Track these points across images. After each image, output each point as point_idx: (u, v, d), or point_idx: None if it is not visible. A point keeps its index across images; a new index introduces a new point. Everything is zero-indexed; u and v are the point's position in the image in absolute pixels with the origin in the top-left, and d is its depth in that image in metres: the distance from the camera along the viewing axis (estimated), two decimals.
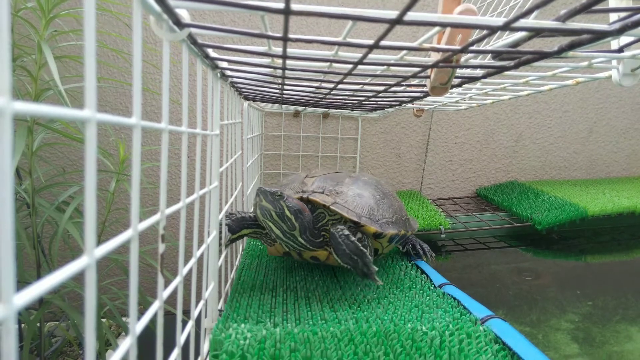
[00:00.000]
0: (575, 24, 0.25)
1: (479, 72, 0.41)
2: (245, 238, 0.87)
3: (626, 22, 0.24)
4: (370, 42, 0.28)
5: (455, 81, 0.42)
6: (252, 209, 0.87)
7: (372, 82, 0.47)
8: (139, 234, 0.22)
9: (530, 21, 0.25)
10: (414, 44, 0.30)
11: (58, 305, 0.60)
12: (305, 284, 0.65)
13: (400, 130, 1.28)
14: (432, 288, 0.63)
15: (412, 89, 0.51)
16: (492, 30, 0.25)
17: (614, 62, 0.41)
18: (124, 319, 0.71)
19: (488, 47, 0.33)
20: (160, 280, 0.26)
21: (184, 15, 0.26)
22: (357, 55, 0.34)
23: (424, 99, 0.65)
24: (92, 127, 0.17)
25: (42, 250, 0.66)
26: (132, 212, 0.21)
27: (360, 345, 0.44)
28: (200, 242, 0.39)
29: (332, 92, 0.54)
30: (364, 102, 0.66)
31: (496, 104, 1.30)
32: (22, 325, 0.66)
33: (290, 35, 0.27)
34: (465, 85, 0.53)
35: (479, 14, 0.27)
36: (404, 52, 0.34)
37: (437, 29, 0.30)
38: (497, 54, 0.34)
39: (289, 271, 0.70)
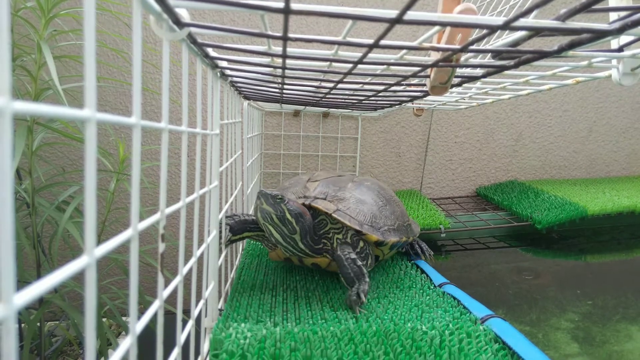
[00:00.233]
0: (575, 23, 0.25)
1: (478, 71, 0.41)
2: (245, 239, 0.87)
3: (626, 21, 0.24)
4: (370, 41, 0.28)
5: (455, 80, 0.42)
6: (251, 209, 0.87)
7: (372, 81, 0.47)
8: (139, 233, 0.22)
9: (530, 20, 0.25)
10: (414, 44, 0.30)
11: (58, 304, 0.60)
12: (305, 283, 0.65)
13: (400, 129, 1.28)
14: (432, 287, 0.63)
15: (412, 88, 0.51)
16: (492, 29, 0.25)
17: (614, 62, 0.41)
18: (124, 318, 0.71)
19: (488, 47, 0.33)
20: (161, 279, 0.26)
21: (184, 14, 0.26)
22: (357, 54, 0.34)
23: (424, 98, 0.65)
24: (92, 126, 0.17)
25: (42, 250, 0.66)
26: (132, 211, 0.21)
27: (360, 344, 0.44)
28: (200, 241, 0.39)
29: (332, 92, 0.54)
30: (363, 102, 0.66)
31: (496, 103, 1.30)
32: (22, 324, 0.66)
33: (290, 35, 0.27)
34: (465, 85, 0.53)
35: (478, 13, 0.27)
36: (404, 51, 0.34)
37: (437, 28, 0.30)
38: (497, 53, 0.34)
39: (289, 271, 0.70)
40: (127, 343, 0.22)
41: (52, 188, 0.67)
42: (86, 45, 0.16)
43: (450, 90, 0.45)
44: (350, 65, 0.36)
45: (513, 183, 1.32)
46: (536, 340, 0.64)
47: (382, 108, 0.88)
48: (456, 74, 0.39)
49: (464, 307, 0.55)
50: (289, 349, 0.42)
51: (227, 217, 0.61)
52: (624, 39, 0.34)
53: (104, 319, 0.78)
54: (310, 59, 0.35)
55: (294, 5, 0.22)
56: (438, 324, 0.48)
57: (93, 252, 0.17)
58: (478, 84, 0.58)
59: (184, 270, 0.32)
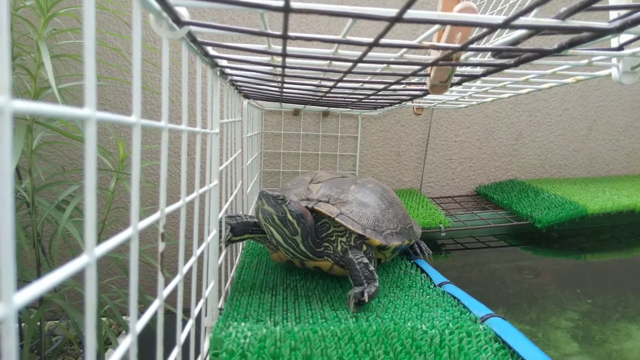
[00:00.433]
0: (575, 21, 0.25)
1: (478, 70, 0.41)
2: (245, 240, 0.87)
3: (626, 19, 0.24)
4: (370, 40, 0.28)
5: (455, 79, 0.42)
6: (251, 208, 0.87)
7: (371, 80, 0.47)
8: (139, 232, 0.22)
9: (530, 19, 0.25)
10: (414, 42, 0.30)
11: (58, 304, 0.60)
12: (305, 282, 0.65)
13: (400, 128, 1.28)
14: (432, 287, 0.63)
15: (412, 87, 0.51)
16: (492, 28, 0.25)
17: (614, 60, 0.41)
18: (124, 317, 0.71)
19: (488, 45, 0.33)
20: (161, 279, 0.26)
21: (184, 13, 0.26)
22: (356, 53, 0.34)
23: (424, 97, 0.65)
24: (92, 125, 0.17)
25: (42, 249, 0.66)
26: (132, 210, 0.21)
27: (360, 343, 0.44)
28: (200, 240, 0.39)
29: (332, 90, 0.53)
30: (363, 100, 0.66)
31: (496, 102, 1.30)
32: (23, 324, 0.66)
33: (290, 33, 0.27)
34: (465, 83, 0.53)
35: (478, 12, 0.27)
36: (404, 50, 0.34)
37: (436, 26, 0.30)
38: (497, 52, 0.34)
39: (289, 270, 0.70)
40: (127, 342, 0.22)
41: (52, 187, 0.67)
42: (86, 44, 0.16)
43: (450, 89, 0.45)
44: (350, 64, 0.36)
45: (513, 182, 1.32)
46: (536, 340, 0.64)
47: (382, 107, 0.88)
48: (456, 73, 0.39)
49: (464, 307, 0.55)
50: (289, 348, 0.42)
51: (229, 217, 0.61)
52: (624, 37, 0.34)
53: (104, 318, 0.78)
54: (310, 58, 0.35)
55: (294, 4, 0.22)
56: (438, 323, 0.48)
57: (93, 252, 0.17)
58: (478, 82, 0.58)
59: (184, 269, 0.32)
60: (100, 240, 0.69)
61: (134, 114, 0.21)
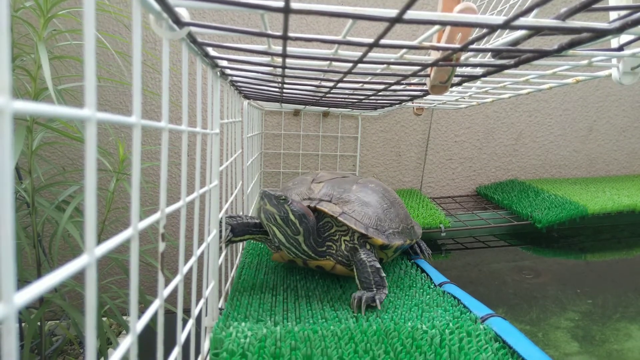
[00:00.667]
0: (575, 22, 0.25)
1: (478, 70, 0.41)
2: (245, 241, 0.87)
3: (626, 20, 0.24)
4: (370, 40, 0.28)
5: (455, 80, 0.42)
6: (252, 209, 0.87)
7: (372, 80, 0.47)
8: (139, 233, 0.22)
9: (530, 19, 0.25)
10: (414, 43, 0.30)
11: (58, 304, 0.60)
12: (306, 283, 0.65)
13: (400, 128, 1.28)
14: (432, 287, 0.63)
15: (412, 87, 0.51)
16: (492, 28, 0.25)
17: (614, 61, 0.41)
18: (124, 317, 0.71)
19: (488, 46, 0.33)
20: (161, 279, 0.26)
21: (184, 14, 0.26)
22: (357, 53, 0.34)
23: (424, 97, 0.65)
24: (92, 126, 0.17)
25: (42, 249, 0.66)
26: (132, 211, 0.21)
27: (360, 343, 0.44)
28: (201, 240, 0.39)
29: (332, 91, 0.53)
30: (363, 101, 0.66)
31: (496, 102, 1.29)
32: (23, 324, 0.66)
33: (290, 34, 0.27)
34: (465, 84, 0.53)
35: (478, 13, 0.27)
36: (404, 50, 0.34)
37: (436, 27, 0.30)
38: (497, 53, 0.34)
39: (289, 270, 0.70)
40: (127, 342, 0.22)
41: (52, 188, 0.67)
42: (86, 45, 0.16)
43: (450, 89, 0.45)
44: (350, 65, 0.36)
45: (513, 182, 1.32)
46: (536, 339, 0.64)
47: (382, 107, 0.88)
48: (456, 73, 0.39)
49: (464, 306, 0.55)
50: (289, 347, 0.42)
51: (229, 217, 0.61)
52: (624, 38, 0.34)
53: (105, 318, 0.78)
54: (310, 58, 0.35)
55: (294, 5, 0.22)
56: (438, 323, 0.48)
57: (93, 252, 0.17)
58: (478, 83, 0.58)
59: (184, 269, 0.32)
60: (100, 240, 0.69)
61: (134, 114, 0.21)
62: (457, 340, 0.44)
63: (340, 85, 0.48)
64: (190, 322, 0.35)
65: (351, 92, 0.56)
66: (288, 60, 0.36)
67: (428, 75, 0.39)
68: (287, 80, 0.48)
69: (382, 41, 0.27)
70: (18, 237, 0.59)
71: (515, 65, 0.34)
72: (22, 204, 0.65)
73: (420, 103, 0.89)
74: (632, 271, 0.92)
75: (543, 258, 0.99)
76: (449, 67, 0.37)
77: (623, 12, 0.27)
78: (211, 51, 0.36)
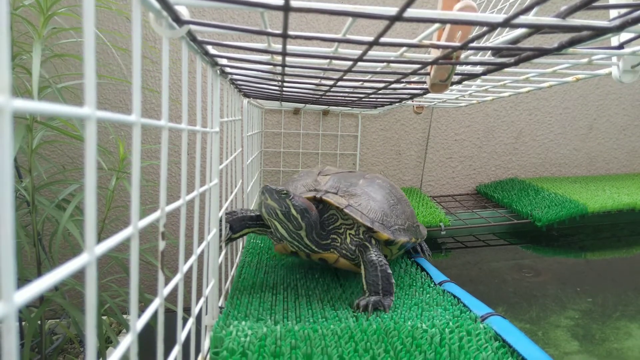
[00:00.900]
0: (575, 20, 0.25)
1: (478, 68, 0.41)
2: (245, 235, 0.87)
3: (626, 18, 0.24)
4: (370, 39, 0.28)
5: (455, 78, 0.42)
6: (252, 207, 0.87)
7: (372, 79, 0.47)
8: (139, 231, 0.22)
9: (530, 18, 0.25)
10: (414, 41, 0.30)
11: (59, 302, 0.60)
12: (306, 282, 0.65)
13: (400, 127, 1.28)
14: (432, 286, 0.63)
15: (412, 85, 0.51)
16: (492, 27, 0.25)
17: (614, 59, 0.41)
18: (124, 316, 0.71)
19: (488, 44, 0.33)
20: (161, 277, 0.26)
21: (184, 12, 0.26)
22: (356, 52, 0.34)
23: (424, 95, 0.65)
24: (92, 124, 0.17)
25: (42, 248, 0.66)
26: (132, 209, 0.21)
27: (360, 342, 0.44)
28: (201, 239, 0.39)
29: (331, 89, 0.53)
30: (363, 99, 0.66)
31: (496, 100, 1.29)
32: (23, 323, 0.66)
33: (290, 32, 0.27)
34: (465, 82, 0.53)
35: (478, 11, 0.27)
36: (404, 49, 0.34)
37: (436, 25, 0.30)
38: (497, 51, 0.34)
39: (289, 269, 0.70)
40: (127, 341, 0.22)
41: (52, 186, 0.67)
42: (85, 43, 0.16)
43: (450, 87, 0.45)
44: (350, 63, 0.36)
45: (513, 181, 1.32)
46: (536, 338, 0.64)
47: (382, 106, 0.88)
48: (456, 72, 0.39)
49: (464, 305, 0.55)
50: (289, 346, 0.43)
51: (226, 214, 0.61)
52: (624, 36, 0.34)
53: (105, 317, 0.78)
54: (310, 57, 0.35)
55: (294, 3, 0.22)
56: (438, 322, 0.48)
57: (93, 250, 0.17)
58: (478, 81, 0.58)
59: (184, 268, 0.32)
60: (100, 239, 0.69)
61: (134, 113, 0.21)
62: (457, 339, 0.44)
63: (340, 83, 0.48)
64: (191, 321, 0.35)
65: (351, 90, 0.56)
66: (288, 59, 0.36)
67: (428, 74, 0.39)
68: (287, 79, 0.48)
69: (382, 39, 0.27)
70: (18, 236, 0.59)
71: (516, 64, 0.34)
72: (22, 202, 0.65)
73: (420, 101, 0.89)
74: (632, 270, 0.92)
75: (543, 257, 1.00)
76: (449, 66, 0.37)
77: (623, 10, 0.27)
78: (211, 49, 0.36)
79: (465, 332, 0.46)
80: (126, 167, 0.71)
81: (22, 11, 0.61)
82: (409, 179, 1.32)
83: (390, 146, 1.28)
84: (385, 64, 0.37)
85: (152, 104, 1.07)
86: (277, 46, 0.33)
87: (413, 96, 0.61)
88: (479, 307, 0.53)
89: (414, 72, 0.39)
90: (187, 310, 0.34)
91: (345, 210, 0.58)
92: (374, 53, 0.33)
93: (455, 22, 0.25)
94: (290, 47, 0.33)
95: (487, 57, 0.38)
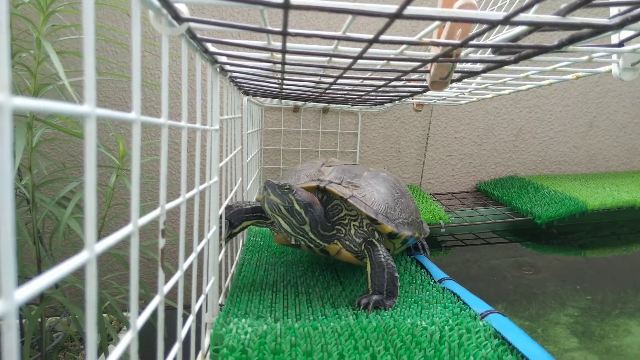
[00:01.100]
0: (575, 18, 0.25)
1: (478, 66, 0.41)
2: (245, 232, 0.87)
3: (626, 16, 0.24)
4: (370, 36, 0.28)
5: (455, 76, 0.42)
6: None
7: (371, 76, 0.47)
8: (139, 229, 0.22)
9: (530, 15, 0.25)
10: (414, 39, 0.30)
11: (59, 300, 0.61)
12: (306, 279, 0.65)
13: (400, 124, 1.28)
14: (431, 283, 0.63)
15: (412, 83, 0.51)
16: (492, 24, 0.25)
17: (614, 57, 0.41)
18: (124, 313, 0.71)
19: (488, 42, 0.33)
20: (161, 275, 0.26)
21: (183, 9, 0.26)
22: (356, 49, 0.34)
23: (424, 93, 0.65)
24: (92, 122, 0.17)
25: (42, 246, 0.67)
26: (132, 207, 0.21)
27: (360, 339, 0.44)
28: (201, 237, 0.39)
29: (331, 87, 0.53)
30: (363, 97, 0.65)
31: (496, 98, 1.29)
32: (23, 320, 0.66)
33: (290, 30, 0.27)
34: (465, 80, 0.52)
35: (478, 8, 0.27)
36: (404, 46, 0.34)
37: (436, 23, 0.30)
38: (497, 48, 0.34)
39: (289, 267, 0.71)
40: (127, 338, 0.22)
41: (52, 184, 0.67)
42: (85, 40, 0.16)
43: (450, 85, 0.45)
44: (350, 61, 0.36)
45: (513, 178, 1.32)
46: (535, 335, 0.64)
47: (382, 103, 0.88)
48: (456, 69, 0.39)
49: (464, 303, 0.55)
50: (289, 344, 0.43)
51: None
52: (624, 33, 0.34)
53: (105, 315, 0.78)
54: (309, 54, 0.35)
55: (294, 0, 0.22)
56: (438, 320, 0.48)
57: (93, 248, 0.17)
58: (478, 79, 0.58)
59: (184, 265, 0.32)
60: (100, 236, 0.70)
61: (134, 110, 0.21)
62: (456, 337, 0.45)
63: (340, 81, 0.48)
64: (191, 318, 0.35)
65: (351, 88, 0.56)
66: (288, 56, 0.36)
67: (428, 71, 0.39)
68: (286, 77, 0.48)
69: (382, 37, 0.27)
70: (19, 233, 0.59)
71: (516, 61, 0.34)
72: (23, 200, 0.65)
73: (420, 99, 0.89)
74: (632, 267, 0.92)
75: (542, 254, 1.00)
76: (449, 63, 0.36)
77: (623, 8, 0.27)
78: (211, 47, 0.36)
79: (465, 329, 0.46)
80: (126, 165, 0.71)
81: (22, 9, 0.61)
82: (409, 176, 1.32)
83: (390, 144, 1.28)
84: (385, 61, 0.37)
85: (152, 102, 1.07)
86: (277, 44, 0.33)
87: (413, 94, 0.61)
88: (478, 305, 0.53)
89: (414, 70, 0.39)
90: (187, 308, 0.34)
91: (349, 200, 0.57)
92: (373, 51, 0.33)
93: (455, 20, 0.25)
94: (290, 45, 0.33)
95: (487, 54, 0.38)
